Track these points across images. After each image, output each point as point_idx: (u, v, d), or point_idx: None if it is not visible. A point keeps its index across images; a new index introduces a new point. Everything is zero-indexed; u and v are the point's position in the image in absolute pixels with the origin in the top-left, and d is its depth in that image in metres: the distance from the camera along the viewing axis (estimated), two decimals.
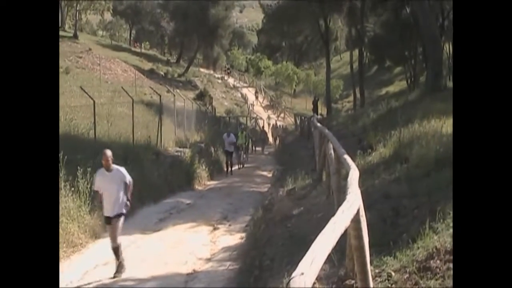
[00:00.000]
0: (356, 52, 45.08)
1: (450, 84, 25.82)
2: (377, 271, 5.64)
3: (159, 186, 16.84)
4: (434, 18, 26.00)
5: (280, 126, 44.73)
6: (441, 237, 5.79)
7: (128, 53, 62.32)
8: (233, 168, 24.93)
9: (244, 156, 28.96)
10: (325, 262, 3.12)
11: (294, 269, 2.65)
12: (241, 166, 26.94)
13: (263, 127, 46.20)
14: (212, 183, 21.09)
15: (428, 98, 21.06)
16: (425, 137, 11.75)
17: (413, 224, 6.78)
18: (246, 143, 29.50)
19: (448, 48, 38.88)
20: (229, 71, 77.48)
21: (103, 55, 48.09)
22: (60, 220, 10.29)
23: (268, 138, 40.94)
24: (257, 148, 36.61)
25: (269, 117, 52.45)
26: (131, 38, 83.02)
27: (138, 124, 19.79)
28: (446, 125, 12.98)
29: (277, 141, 39.47)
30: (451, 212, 6.31)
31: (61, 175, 11.17)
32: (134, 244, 11.05)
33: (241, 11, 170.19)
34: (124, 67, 47.65)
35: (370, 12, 42.16)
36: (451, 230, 5.87)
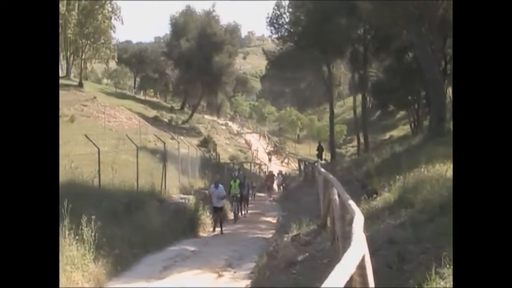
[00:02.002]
0: (359, 97, 45.38)
1: None
2: None
3: (163, 233, 16.76)
4: (436, 63, 26.26)
5: (279, 174, 42.92)
6: (447, 282, 5.75)
7: (132, 100, 62.88)
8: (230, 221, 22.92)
9: (238, 207, 24.54)
10: None
11: None
12: (237, 217, 23.67)
13: (267, 173, 45.73)
14: (217, 230, 20.97)
15: (431, 142, 21.12)
16: (429, 182, 11.75)
17: (419, 270, 6.73)
18: (241, 193, 24.63)
19: (451, 92, 39.13)
20: (235, 120, 77.38)
21: (107, 103, 48.54)
22: (64, 268, 10.24)
23: (272, 184, 39.40)
24: (261, 194, 36.22)
25: (267, 165, 52.15)
26: (135, 86, 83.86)
27: (142, 171, 19.85)
28: (450, 170, 12.99)
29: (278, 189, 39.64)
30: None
31: (65, 223, 11.14)
32: None
33: (244, 58, 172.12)
34: (128, 114, 48.02)
35: (372, 57, 42.60)
36: None
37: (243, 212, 25.55)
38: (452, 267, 6.08)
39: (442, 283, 5.78)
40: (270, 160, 63.42)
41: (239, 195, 24.14)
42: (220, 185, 20.57)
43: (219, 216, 20.24)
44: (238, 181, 24.31)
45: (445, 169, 13.09)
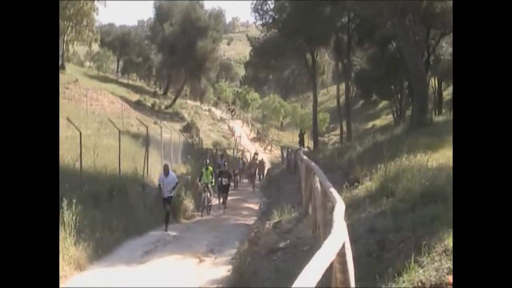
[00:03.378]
0: (342, 86, 45.52)
1: (435, 119, 26.09)
2: None
3: (145, 218, 16.79)
4: (420, 54, 26.38)
5: (259, 159, 37.97)
6: (426, 271, 5.83)
7: (115, 84, 62.47)
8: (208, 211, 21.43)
9: (211, 198, 22.24)
10: None
11: None
12: (206, 211, 21.44)
13: (251, 157, 43.59)
14: (198, 215, 20.99)
15: (414, 132, 21.28)
16: (410, 171, 11.84)
17: (399, 258, 6.80)
18: (214, 183, 22.48)
19: (434, 83, 39.39)
20: (233, 112, 77.04)
21: (90, 86, 48.13)
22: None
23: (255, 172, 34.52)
24: (244, 181, 35.49)
25: (242, 151, 50.31)
26: (118, 70, 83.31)
27: (124, 155, 19.76)
28: (431, 160, 13.11)
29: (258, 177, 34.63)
30: (436, 246, 6.39)
31: None
32: (118, 277, 10.95)
33: (228, 44, 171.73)
34: (111, 98, 47.69)
35: (356, 46, 42.75)
36: (436, 264, 5.93)
37: (220, 204, 23.03)
38: (430, 255, 6.21)
39: (421, 271, 5.86)
40: (231, 112, 65.24)
41: (210, 185, 21.86)
42: (171, 172, 17.95)
43: (169, 209, 17.37)
44: (210, 168, 22.09)
45: (426, 159, 13.21)
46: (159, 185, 17.49)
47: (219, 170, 24.54)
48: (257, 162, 35.58)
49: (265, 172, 37.55)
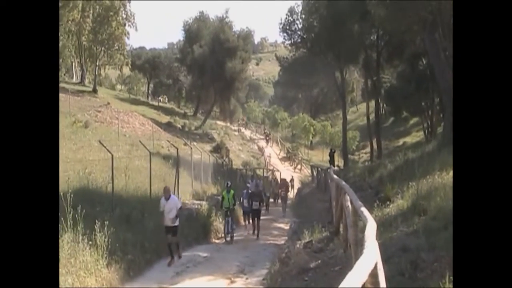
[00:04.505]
0: (372, 103, 45.23)
1: None
2: None
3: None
4: (450, 69, 26.11)
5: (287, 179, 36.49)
6: None
7: (146, 106, 63.15)
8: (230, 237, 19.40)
9: (234, 226, 20.05)
10: None
11: None
12: (229, 239, 19.37)
13: (280, 179, 43.16)
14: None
15: (445, 149, 20.96)
16: (443, 189, 11.67)
17: (432, 278, 6.69)
18: (234, 205, 20.12)
19: None
20: (268, 137, 72.14)
21: (121, 108, 48.76)
22: (77, 273, 10.30)
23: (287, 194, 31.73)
24: (277, 201, 34.38)
25: (272, 171, 49.74)
26: (149, 92, 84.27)
27: (155, 177, 19.90)
28: None
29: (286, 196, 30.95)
30: None
31: (79, 228, 11.23)
32: None
33: (257, 64, 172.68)
34: (142, 120, 48.20)
35: (386, 63, 42.50)
36: None
37: (254, 232, 21.06)
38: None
39: None
40: (267, 141, 63.39)
41: (232, 208, 19.66)
42: (173, 196, 15.30)
43: (171, 240, 14.79)
44: (232, 191, 19.85)
45: None
46: (162, 211, 14.74)
47: (250, 191, 21.85)
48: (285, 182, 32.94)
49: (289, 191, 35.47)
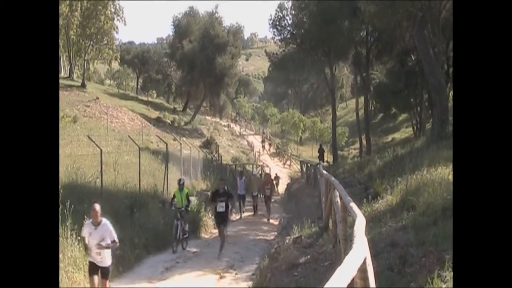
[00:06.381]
0: (361, 99, 45.37)
1: None
2: None
3: (165, 234, 16.77)
4: (439, 66, 26.24)
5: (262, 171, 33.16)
6: (449, 286, 5.74)
7: (135, 101, 62.93)
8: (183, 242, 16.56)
9: (186, 230, 16.88)
10: None
11: None
12: (183, 245, 16.57)
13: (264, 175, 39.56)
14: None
15: (434, 145, 21.07)
16: (431, 185, 11.72)
17: (421, 273, 6.72)
18: (187, 206, 16.96)
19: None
20: (270, 142, 67.04)
21: (110, 103, 48.59)
22: (66, 269, 10.25)
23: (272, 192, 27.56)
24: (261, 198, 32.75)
25: (262, 167, 47.69)
26: (138, 87, 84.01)
27: (144, 172, 19.86)
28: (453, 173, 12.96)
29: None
30: None
31: (67, 224, 11.19)
32: None
33: (247, 59, 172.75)
34: (131, 115, 48.05)
35: (375, 60, 42.60)
36: None
37: (182, 245, 16.61)
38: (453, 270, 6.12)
39: (443, 286, 5.77)
40: (263, 147, 62.48)
41: (184, 209, 16.61)
42: (105, 221, 9.91)
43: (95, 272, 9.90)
44: (186, 190, 17.19)
45: (448, 172, 13.07)
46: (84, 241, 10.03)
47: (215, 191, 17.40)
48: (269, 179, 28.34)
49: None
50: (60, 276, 10.00)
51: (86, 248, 9.85)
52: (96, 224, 9.63)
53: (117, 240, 9.79)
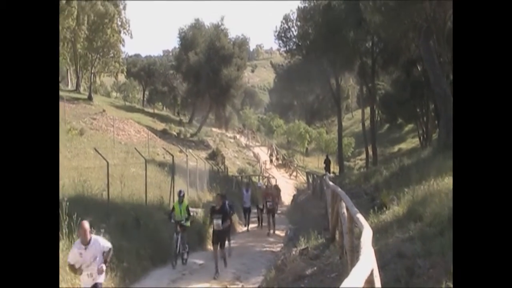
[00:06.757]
0: (367, 110, 45.36)
1: None
2: None
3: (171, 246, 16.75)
4: (445, 76, 26.21)
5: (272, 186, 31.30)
6: None
7: (141, 114, 63.04)
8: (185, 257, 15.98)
9: (186, 245, 16.11)
10: None
11: None
12: (183, 259, 15.91)
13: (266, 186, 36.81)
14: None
15: (441, 155, 21.01)
16: (438, 195, 11.68)
17: (428, 284, 6.69)
18: (187, 219, 15.99)
19: None
20: (277, 157, 64.14)
21: (116, 116, 48.68)
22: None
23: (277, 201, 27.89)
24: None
25: (268, 178, 46.31)
26: (144, 99, 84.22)
27: (151, 184, 19.88)
28: None
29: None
30: None
31: (74, 236, 11.19)
32: None
33: (252, 71, 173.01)
34: (137, 127, 48.13)
35: (381, 70, 42.64)
36: None
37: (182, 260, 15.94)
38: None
39: None
40: (271, 161, 61.95)
41: (183, 222, 15.76)
42: (95, 238, 9.11)
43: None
44: (186, 202, 16.38)
45: None
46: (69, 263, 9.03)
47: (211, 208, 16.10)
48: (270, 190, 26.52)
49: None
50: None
51: (75, 271, 8.99)
52: (86, 243, 8.76)
53: (110, 246, 9.12)
